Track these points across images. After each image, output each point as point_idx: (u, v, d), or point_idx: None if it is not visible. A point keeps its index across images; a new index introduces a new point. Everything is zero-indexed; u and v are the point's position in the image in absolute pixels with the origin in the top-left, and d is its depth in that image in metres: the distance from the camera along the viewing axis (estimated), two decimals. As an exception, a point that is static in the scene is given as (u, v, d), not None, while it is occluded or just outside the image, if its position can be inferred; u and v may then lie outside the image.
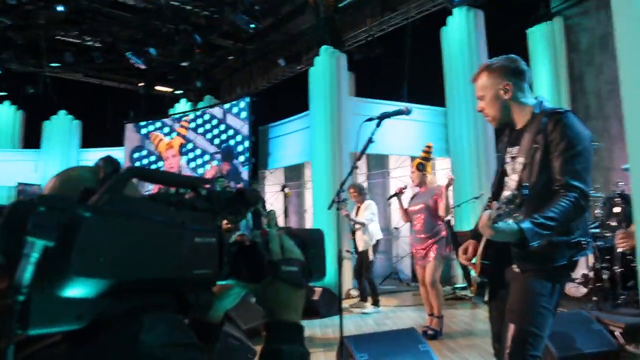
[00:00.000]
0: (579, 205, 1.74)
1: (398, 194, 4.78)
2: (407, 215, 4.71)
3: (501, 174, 2.14)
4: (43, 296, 0.52)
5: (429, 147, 4.61)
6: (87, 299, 0.55)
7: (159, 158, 11.50)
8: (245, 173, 9.77)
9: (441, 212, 4.47)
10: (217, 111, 10.71)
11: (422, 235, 4.51)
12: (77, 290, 0.53)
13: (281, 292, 0.76)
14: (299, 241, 0.83)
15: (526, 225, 1.64)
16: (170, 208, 0.65)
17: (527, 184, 1.67)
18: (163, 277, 0.60)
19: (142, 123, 11.84)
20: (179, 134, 11.32)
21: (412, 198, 4.79)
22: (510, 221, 1.62)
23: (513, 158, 2.03)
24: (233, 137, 10.17)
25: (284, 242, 0.80)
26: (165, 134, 11.52)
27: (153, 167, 11.43)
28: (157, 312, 0.62)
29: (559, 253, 1.85)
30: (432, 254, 4.44)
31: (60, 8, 8.67)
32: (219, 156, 10.48)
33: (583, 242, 1.87)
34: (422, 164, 4.54)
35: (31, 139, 11.84)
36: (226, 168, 10.60)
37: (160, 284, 0.61)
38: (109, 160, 0.67)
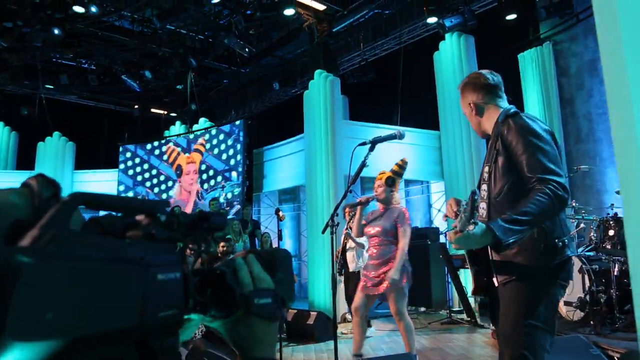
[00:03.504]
0: (558, 196, 1.67)
1: (363, 203, 4.05)
2: (362, 233, 4.17)
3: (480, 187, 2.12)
4: None
5: (403, 162, 4.05)
6: None
7: (172, 174, 11.40)
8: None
9: (400, 243, 3.93)
10: (211, 134, 10.74)
11: (376, 262, 3.99)
12: (14, 358, 0.42)
13: (254, 328, 0.68)
14: (264, 263, 0.73)
15: (494, 223, 1.61)
16: (125, 240, 0.55)
17: (475, 190, 1.67)
18: (124, 327, 0.51)
19: (131, 146, 11.87)
20: (197, 151, 10.99)
21: (370, 216, 4.21)
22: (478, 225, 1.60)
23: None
24: (227, 160, 10.18)
25: (253, 269, 0.70)
26: (164, 153, 11.50)
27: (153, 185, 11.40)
28: None
29: (534, 258, 1.78)
30: (386, 284, 3.85)
31: (56, 31, 8.75)
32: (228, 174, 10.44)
33: (559, 244, 1.78)
34: (392, 179, 3.98)
35: (25, 160, 11.80)
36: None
37: (120, 334, 0.51)
38: (45, 182, 0.53)
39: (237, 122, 10.33)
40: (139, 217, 0.58)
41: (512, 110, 1.93)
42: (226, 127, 10.57)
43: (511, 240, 1.61)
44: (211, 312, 0.66)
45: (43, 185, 0.53)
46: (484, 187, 1.95)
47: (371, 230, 4.09)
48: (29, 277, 0.41)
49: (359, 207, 4.10)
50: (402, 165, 4.00)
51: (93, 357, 0.50)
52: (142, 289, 0.51)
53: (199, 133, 11.03)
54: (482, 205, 1.95)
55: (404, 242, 3.91)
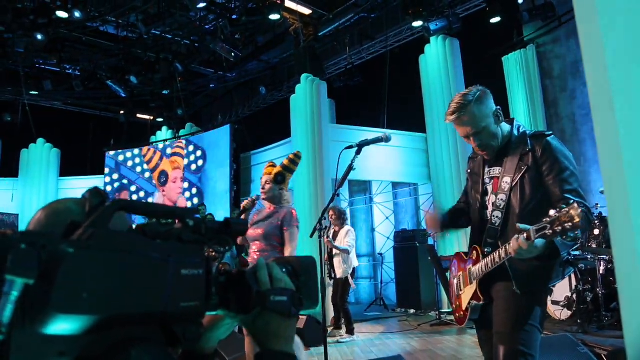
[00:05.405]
0: (588, 219, 1.79)
1: (247, 209, 3.61)
2: (245, 238, 3.53)
3: (482, 194, 2.11)
4: (24, 333, 0.51)
5: (296, 155, 3.55)
6: (70, 336, 0.54)
7: (152, 179, 11.30)
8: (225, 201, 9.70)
9: (287, 250, 3.31)
10: (197, 138, 10.68)
11: None
12: (58, 327, 0.52)
13: (271, 323, 0.76)
14: (290, 269, 0.82)
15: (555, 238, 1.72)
16: (156, 241, 0.65)
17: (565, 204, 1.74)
18: (149, 311, 0.60)
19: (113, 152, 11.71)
20: (177, 154, 10.82)
21: (255, 217, 3.61)
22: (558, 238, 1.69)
23: (492, 178, 2.07)
24: (213, 163, 10.12)
25: (272, 271, 0.78)
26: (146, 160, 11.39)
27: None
28: (144, 345, 0.62)
29: (555, 272, 1.91)
30: None
31: (39, 36, 8.62)
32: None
33: (571, 259, 1.93)
34: (282, 175, 3.49)
35: (9, 167, 11.61)
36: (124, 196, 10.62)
37: (146, 317, 0.60)
38: (95, 192, 0.65)
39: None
40: (177, 225, 0.69)
41: (547, 132, 2.01)
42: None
43: (564, 254, 1.77)
44: (234, 308, 0.75)
45: (94, 195, 0.65)
46: (502, 196, 1.99)
47: (254, 231, 3.44)
48: (70, 263, 0.52)
49: (243, 215, 3.63)
50: (293, 160, 3.51)
51: (123, 335, 0.61)
52: (166, 281, 0.61)
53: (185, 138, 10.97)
54: (497, 214, 2.00)
55: (291, 248, 3.34)
